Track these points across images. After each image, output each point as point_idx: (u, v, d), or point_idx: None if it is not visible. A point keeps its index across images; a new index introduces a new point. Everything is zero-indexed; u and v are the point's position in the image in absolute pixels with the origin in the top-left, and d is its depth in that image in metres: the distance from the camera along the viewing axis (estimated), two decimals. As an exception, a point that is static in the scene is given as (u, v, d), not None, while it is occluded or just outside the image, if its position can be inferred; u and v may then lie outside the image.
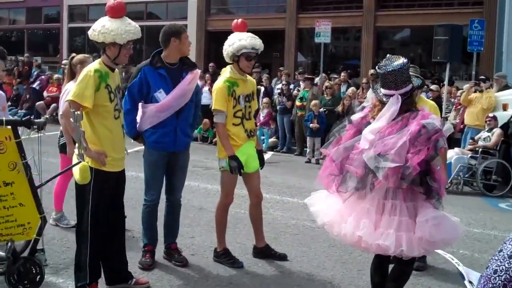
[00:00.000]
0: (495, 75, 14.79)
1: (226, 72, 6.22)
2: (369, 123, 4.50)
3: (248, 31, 6.32)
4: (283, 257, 6.51)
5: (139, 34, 5.16)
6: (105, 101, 4.99)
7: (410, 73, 4.73)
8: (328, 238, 7.36)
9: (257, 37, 6.23)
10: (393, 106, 4.39)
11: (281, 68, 20.20)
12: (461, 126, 13.56)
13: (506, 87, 14.11)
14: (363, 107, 4.74)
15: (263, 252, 6.53)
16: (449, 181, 11.45)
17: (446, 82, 14.16)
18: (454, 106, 14.35)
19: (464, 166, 11.53)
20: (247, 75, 6.37)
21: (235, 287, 5.69)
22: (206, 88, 16.34)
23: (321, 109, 15.00)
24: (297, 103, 15.73)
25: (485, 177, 11.61)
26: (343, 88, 16.81)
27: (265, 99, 16.44)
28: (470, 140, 12.36)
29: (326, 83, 16.05)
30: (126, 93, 5.83)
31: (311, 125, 14.64)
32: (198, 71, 6.20)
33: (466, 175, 11.62)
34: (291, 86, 17.14)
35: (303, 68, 19.98)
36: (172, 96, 5.86)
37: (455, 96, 14.59)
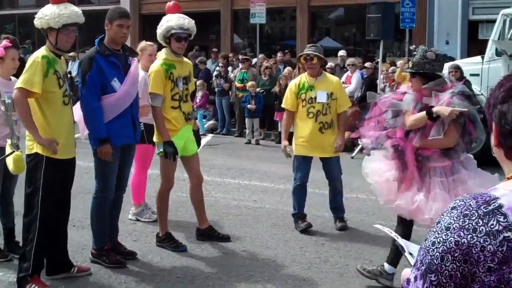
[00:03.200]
0: (427, 51, 15.10)
1: (162, 54, 6.16)
2: None
3: (183, 13, 6.25)
4: (226, 238, 6.54)
5: (77, 18, 5.08)
6: (54, 87, 4.95)
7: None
8: (270, 217, 7.48)
9: (186, 17, 6.17)
10: None
11: (214, 50, 20.10)
12: (396, 102, 13.80)
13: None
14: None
15: (206, 233, 6.54)
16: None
17: (380, 59, 14.39)
18: (388, 83, 14.60)
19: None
20: (184, 57, 6.33)
21: (179, 270, 5.69)
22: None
23: (258, 90, 15.02)
24: (237, 84, 15.69)
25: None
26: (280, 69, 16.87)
27: (199, 81, 16.34)
28: (405, 116, 12.61)
29: (265, 63, 16.06)
30: (88, 86, 5.39)
31: (248, 106, 14.67)
32: (136, 59, 6.02)
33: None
34: (229, 68, 17.10)
35: (245, 50, 19.96)
36: (128, 84, 5.62)
37: (387, 73, 14.82)
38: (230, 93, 16.12)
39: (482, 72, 11.95)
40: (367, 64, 14.97)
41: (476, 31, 18.08)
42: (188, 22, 6.12)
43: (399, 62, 14.26)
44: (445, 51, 16.49)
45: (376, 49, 18.02)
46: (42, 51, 5.01)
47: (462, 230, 1.58)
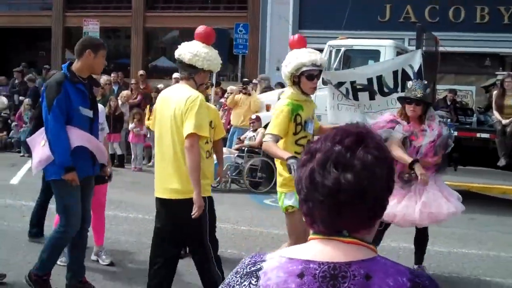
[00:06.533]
0: (258, 77, 15.59)
1: (288, 93, 5.40)
2: None
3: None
4: None
5: None
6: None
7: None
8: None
9: (317, 52, 5.40)
10: None
11: (46, 66, 19.35)
12: (228, 126, 14.08)
13: (268, 88, 14.92)
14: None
15: None
16: (217, 180, 11.81)
17: (214, 83, 14.59)
18: (221, 107, 14.85)
19: (232, 164, 11.99)
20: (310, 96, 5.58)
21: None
22: None
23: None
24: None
25: (251, 175, 12.18)
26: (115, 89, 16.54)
27: (27, 100, 15.62)
28: (237, 140, 12.87)
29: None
30: (54, 109, 5.10)
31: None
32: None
33: (234, 173, 12.09)
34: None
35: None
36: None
37: (220, 97, 15.09)
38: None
39: (309, 99, 12.46)
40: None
41: (305, 59, 18.93)
42: (320, 58, 5.32)
43: (229, 88, 14.56)
44: (276, 77, 17.13)
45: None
46: (197, 93, 4.84)
47: (226, 286, 1.63)
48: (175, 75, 16.69)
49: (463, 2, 18.24)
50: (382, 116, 6.37)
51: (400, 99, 6.41)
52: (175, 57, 4.99)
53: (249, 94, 13.67)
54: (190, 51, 4.87)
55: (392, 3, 18.61)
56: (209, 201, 5.01)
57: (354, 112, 10.72)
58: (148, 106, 14.79)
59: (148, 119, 14.26)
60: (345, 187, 1.54)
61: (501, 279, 6.86)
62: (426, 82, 6.63)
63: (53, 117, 5.13)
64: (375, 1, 18.45)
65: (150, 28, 21.72)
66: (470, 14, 18.27)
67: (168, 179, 4.85)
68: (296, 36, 5.66)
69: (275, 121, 5.23)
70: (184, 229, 4.96)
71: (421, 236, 6.54)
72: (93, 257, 6.77)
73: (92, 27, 18.05)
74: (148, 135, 14.43)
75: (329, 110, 11.90)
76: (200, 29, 5.07)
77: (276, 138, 5.15)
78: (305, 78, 5.23)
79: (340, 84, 11.61)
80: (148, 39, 22.51)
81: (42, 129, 5.37)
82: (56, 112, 5.12)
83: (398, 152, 5.90)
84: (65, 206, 5.38)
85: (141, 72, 17.52)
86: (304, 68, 5.20)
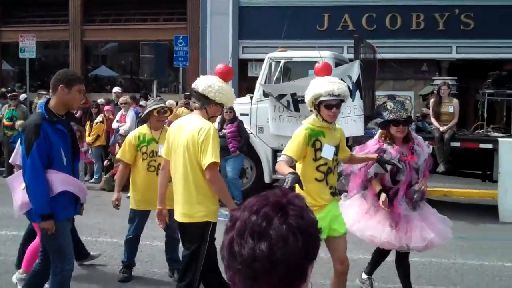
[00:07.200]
0: (200, 90, 15.52)
1: (310, 118, 5.50)
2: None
3: None
4: None
5: None
6: None
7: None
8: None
9: (336, 80, 5.46)
10: None
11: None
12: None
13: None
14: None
15: None
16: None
17: (154, 98, 14.46)
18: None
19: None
20: (336, 123, 5.67)
21: None
22: None
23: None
24: (6, 122, 14.85)
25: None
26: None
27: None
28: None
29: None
30: (33, 154, 4.82)
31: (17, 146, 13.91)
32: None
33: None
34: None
35: (13, 84, 19.04)
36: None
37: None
38: (-4, 132, 15.20)
39: (251, 112, 12.48)
40: (142, 103, 14.96)
41: (246, 69, 18.99)
42: (338, 87, 5.33)
43: (168, 102, 14.46)
44: (217, 89, 17.10)
45: (151, 85, 18.16)
46: (209, 123, 5.14)
47: None
48: (116, 89, 16.58)
49: (399, 10, 18.64)
50: (368, 143, 6.18)
51: (383, 123, 6.08)
52: (192, 86, 5.28)
53: (192, 110, 13.56)
54: (205, 82, 5.15)
55: (329, 12, 18.87)
56: (212, 228, 5.22)
57: (296, 123, 10.76)
58: (88, 122, 14.57)
59: (89, 135, 14.06)
60: (260, 257, 1.58)
61: (443, 287, 7.00)
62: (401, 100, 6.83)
63: (31, 162, 4.87)
64: (313, 10, 18.67)
65: (88, 41, 21.43)
66: (406, 21, 18.68)
67: (179, 204, 5.21)
68: (321, 63, 5.79)
69: (291, 143, 5.38)
70: (185, 251, 5.32)
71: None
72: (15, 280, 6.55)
73: (28, 43, 17.70)
74: (90, 151, 14.21)
75: (271, 122, 11.99)
76: (220, 65, 5.38)
77: (290, 160, 5.26)
78: (324, 107, 5.35)
79: (281, 96, 11.70)
80: (87, 52, 22.21)
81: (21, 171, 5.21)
82: (35, 157, 4.85)
83: (375, 186, 5.99)
84: (58, 245, 5.14)
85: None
86: (322, 98, 5.31)
